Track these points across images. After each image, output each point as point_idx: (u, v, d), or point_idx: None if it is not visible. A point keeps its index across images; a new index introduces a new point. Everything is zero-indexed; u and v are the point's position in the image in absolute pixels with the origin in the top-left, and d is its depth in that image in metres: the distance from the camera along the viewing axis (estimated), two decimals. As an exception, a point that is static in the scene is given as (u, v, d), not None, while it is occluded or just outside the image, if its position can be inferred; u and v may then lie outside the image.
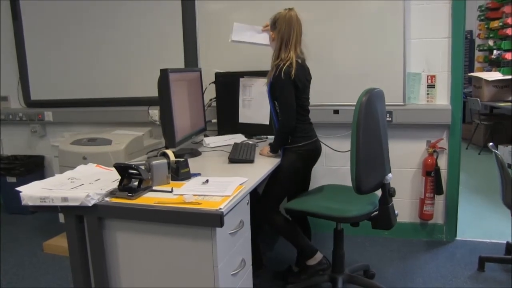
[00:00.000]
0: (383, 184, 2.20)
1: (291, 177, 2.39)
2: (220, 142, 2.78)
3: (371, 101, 2.07)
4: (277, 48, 2.35)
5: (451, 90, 2.99)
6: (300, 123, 2.37)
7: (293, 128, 2.33)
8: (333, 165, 3.27)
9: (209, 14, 3.28)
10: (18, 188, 1.68)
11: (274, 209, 2.40)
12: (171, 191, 1.71)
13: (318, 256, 2.47)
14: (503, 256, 2.82)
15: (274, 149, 2.40)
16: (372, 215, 2.25)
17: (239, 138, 2.85)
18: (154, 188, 1.76)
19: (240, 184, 1.79)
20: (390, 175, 2.23)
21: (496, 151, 2.46)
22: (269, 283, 2.59)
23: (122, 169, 1.72)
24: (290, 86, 2.27)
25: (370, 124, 2.08)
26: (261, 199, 2.41)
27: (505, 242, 2.88)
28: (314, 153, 2.47)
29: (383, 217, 2.23)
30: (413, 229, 3.22)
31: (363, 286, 2.47)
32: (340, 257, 2.43)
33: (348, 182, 3.14)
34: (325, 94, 3.12)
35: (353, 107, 3.02)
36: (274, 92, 2.35)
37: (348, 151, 3.10)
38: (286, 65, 2.27)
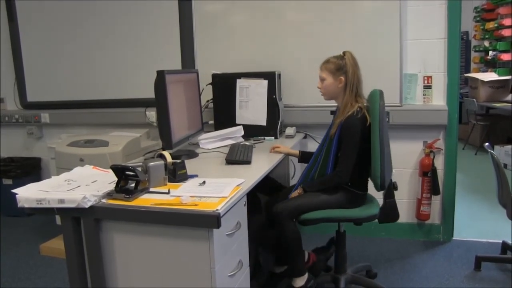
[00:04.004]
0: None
1: (329, 207, 2.31)
2: (217, 139, 2.76)
3: (384, 102, 2.21)
4: (348, 93, 2.25)
5: (448, 90, 3.00)
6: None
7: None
8: (330, 166, 3.26)
9: (206, 15, 3.28)
10: (14, 190, 1.67)
11: (292, 217, 2.27)
12: (168, 193, 1.71)
13: (306, 276, 2.36)
14: (499, 255, 2.83)
15: (311, 189, 2.30)
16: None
17: (238, 131, 2.85)
18: (151, 189, 1.76)
19: (237, 185, 1.78)
20: (394, 170, 2.41)
21: (492, 151, 2.47)
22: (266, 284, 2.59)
23: (119, 170, 1.71)
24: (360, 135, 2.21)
25: (385, 125, 2.21)
26: (284, 201, 2.33)
27: (501, 241, 2.89)
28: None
29: (390, 210, 2.36)
30: (410, 229, 3.22)
31: (365, 286, 2.48)
32: (343, 257, 2.44)
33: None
34: (322, 95, 3.13)
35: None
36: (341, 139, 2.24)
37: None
38: (363, 110, 2.22)
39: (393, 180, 2.40)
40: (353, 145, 2.19)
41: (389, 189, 2.38)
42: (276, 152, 2.53)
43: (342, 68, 2.26)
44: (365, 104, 2.26)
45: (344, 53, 2.30)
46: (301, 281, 2.31)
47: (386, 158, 2.21)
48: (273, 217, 2.26)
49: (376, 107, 2.16)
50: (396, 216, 2.47)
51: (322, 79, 2.33)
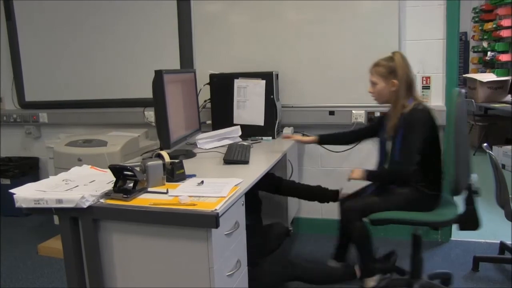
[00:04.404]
0: (469, 184, 2.19)
1: (399, 207, 2.26)
2: (215, 139, 2.76)
3: (463, 102, 2.15)
4: (401, 95, 2.22)
5: (446, 91, 3.00)
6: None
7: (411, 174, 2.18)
8: (329, 166, 3.27)
9: (205, 15, 3.28)
10: (12, 190, 1.67)
11: (361, 216, 2.24)
12: (166, 192, 1.71)
13: (377, 277, 2.32)
14: (497, 255, 2.84)
15: (374, 179, 2.29)
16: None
17: (235, 131, 2.84)
18: (149, 189, 1.76)
19: (235, 185, 1.78)
20: (475, 175, 2.25)
21: (490, 152, 2.47)
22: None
23: (117, 170, 1.71)
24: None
25: (462, 125, 2.16)
26: (354, 199, 2.32)
27: (499, 242, 2.89)
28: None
29: (471, 217, 2.21)
30: (408, 229, 3.21)
31: None
32: (419, 262, 2.34)
33: (345, 183, 3.16)
34: (321, 95, 3.13)
35: (349, 108, 3.07)
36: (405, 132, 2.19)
37: (343, 151, 3.17)
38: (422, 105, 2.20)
39: (474, 185, 2.23)
40: (416, 136, 2.13)
41: (470, 194, 2.21)
42: (287, 138, 2.56)
43: (394, 71, 2.21)
44: (423, 102, 2.21)
45: (393, 53, 2.25)
46: (371, 281, 2.27)
47: (462, 160, 2.10)
48: (342, 215, 2.26)
49: (450, 108, 2.08)
50: (475, 224, 2.22)
51: (374, 83, 2.28)
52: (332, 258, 2.56)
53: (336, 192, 2.60)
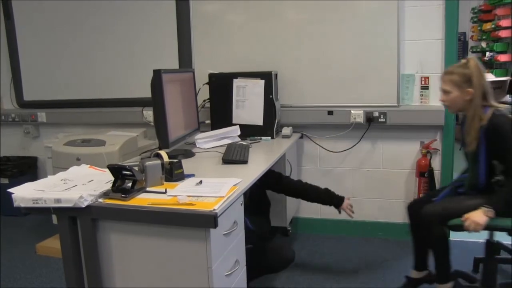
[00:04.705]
0: None
1: None
2: (214, 139, 2.75)
3: None
4: (477, 104, 2.10)
5: (445, 91, 3.00)
6: None
7: None
8: (328, 166, 3.27)
9: (204, 14, 3.28)
10: (10, 190, 1.66)
11: (440, 221, 2.15)
12: (165, 192, 1.70)
13: (451, 283, 2.24)
14: (497, 256, 2.82)
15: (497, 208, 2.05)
16: None
17: (234, 131, 2.84)
18: (148, 189, 1.75)
19: (234, 185, 1.78)
20: None
21: None
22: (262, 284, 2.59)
23: (116, 170, 1.71)
24: None
25: None
26: (432, 204, 2.25)
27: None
28: None
29: None
30: (407, 229, 3.22)
31: None
32: (493, 270, 2.26)
33: (344, 183, 3.17)
34: (319, 95, 3.13)
35: (347, 108, 3.08)
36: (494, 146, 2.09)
37: (342, 151, 3.17)
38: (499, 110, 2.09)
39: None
40: None
41: None
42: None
43: (469, 79, 2.09)
44: (498, 107, 2.11)
45: (467, 60, 2.14)
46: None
47: None
48: (420, 220, 2.18)
49: None
50: None
51: (446, 92, 2.17)
52: (412, 268, 2.47)
53: (342, 199, 2.52)
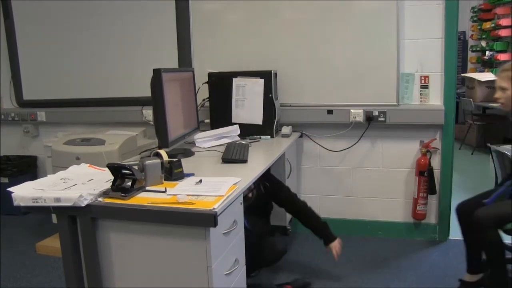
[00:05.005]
0: None
1: None
2: (213, 138, 2.75)
3: None
4: None
5: (444, 90, 3.00)
6: None
7: None
8: (327, 165, 3.27)
9: (203, 14, 3.28)
10: (10, 189, 1.66)
11: (495, 225, 2.11)
12: (165, 191, 1.70)
13: None
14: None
15: None
16: None
17: (234, 130, 2.84)
18: (148, 188, 1.75)
19: (234, 184, 1.78)
20: None
21: (498, 148, 2.40)
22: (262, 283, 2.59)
23: (115, 169, 1.71)
24: None
25: None
26: (486, 207, 2.20)
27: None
28: None
29: None
30: (406, 228, 3.23)
31: None
32: None
33: (343, 182, 3.17)
34: (319, 94, 3.13)
35: (347, 107, 3.07)
36: None
37: (342, 150, 3.17)
38: None
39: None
40: None
41: None
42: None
43: None
44: None
45: None
46: None
47: None
48: (473, 223, 2.14)
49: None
50: None
51: (503, 89, 2.14)
52: (466, 272, 2.43)
53: (335, 238, 2.51)
